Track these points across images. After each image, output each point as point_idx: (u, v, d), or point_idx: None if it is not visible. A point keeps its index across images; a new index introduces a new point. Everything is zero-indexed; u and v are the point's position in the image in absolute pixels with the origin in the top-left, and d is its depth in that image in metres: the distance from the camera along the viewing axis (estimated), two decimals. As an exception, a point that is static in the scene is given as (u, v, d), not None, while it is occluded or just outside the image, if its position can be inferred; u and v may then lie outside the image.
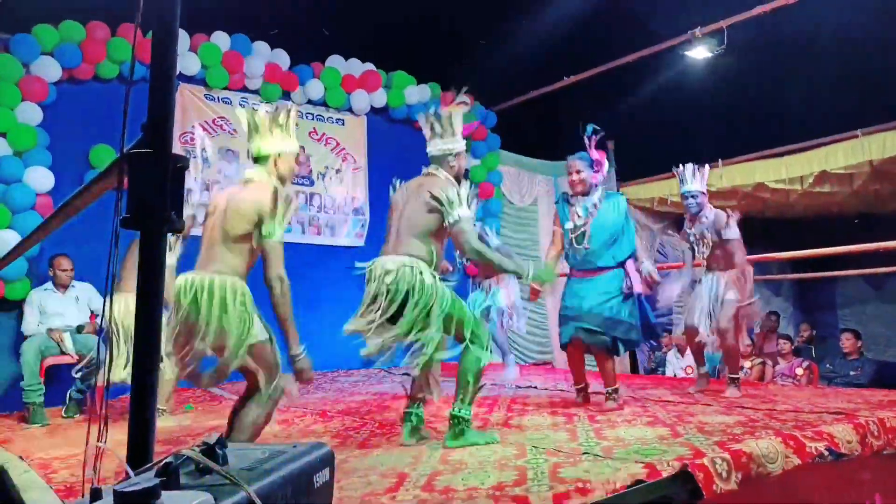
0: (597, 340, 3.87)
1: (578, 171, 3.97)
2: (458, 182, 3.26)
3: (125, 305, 4.12)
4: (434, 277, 3.01)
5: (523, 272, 3.18)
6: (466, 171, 5.07)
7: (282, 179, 2.84)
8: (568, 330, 3.97)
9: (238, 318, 2.60)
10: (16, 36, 5.20)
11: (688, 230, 4.54)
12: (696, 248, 4.51)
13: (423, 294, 2.94)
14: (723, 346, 4.40)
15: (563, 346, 4.11)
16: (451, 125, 3.25)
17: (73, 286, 4.83)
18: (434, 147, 3.27)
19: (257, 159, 2.85)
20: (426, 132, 3.31)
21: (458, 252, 3.97)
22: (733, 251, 4.39)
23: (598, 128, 4.05)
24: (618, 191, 8.68)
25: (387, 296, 2.95)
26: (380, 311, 2.94)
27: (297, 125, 2.97)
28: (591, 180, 3.99)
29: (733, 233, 4.34)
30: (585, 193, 4.00)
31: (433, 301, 2.95)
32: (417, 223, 3.08)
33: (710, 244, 4.41)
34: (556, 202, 4.30)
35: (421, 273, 2.96)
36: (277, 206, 2.66)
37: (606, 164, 4.13)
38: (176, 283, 2.69)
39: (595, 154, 4.02)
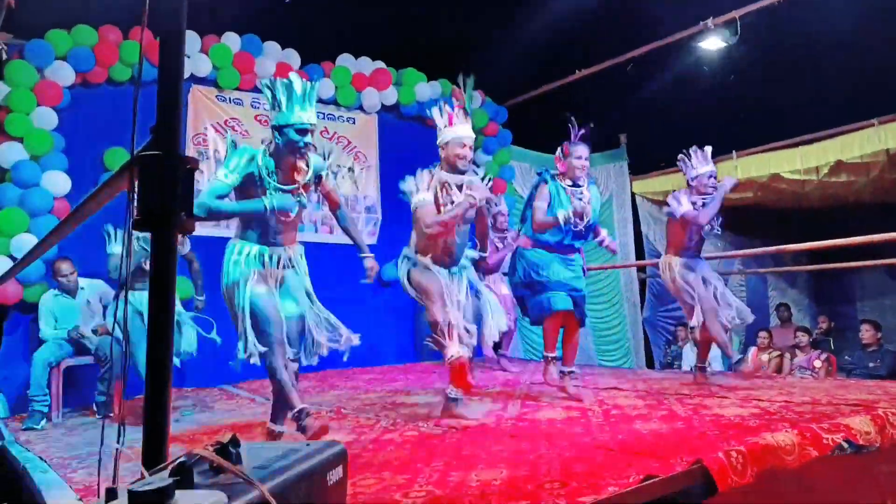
0: (582, 314, 4.10)
1: (586, 158, 4.07)
2: (455, 170, 3.56)
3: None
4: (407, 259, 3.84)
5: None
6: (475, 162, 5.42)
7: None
8: (562, 297, 3.96)
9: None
10: (29, 42, 5.25)
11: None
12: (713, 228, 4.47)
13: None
14: (702, 335, 4.52)
15: (551, 313, 3.99)
16: (440, 118, 3.64)
17: (81, 288, 4.81)
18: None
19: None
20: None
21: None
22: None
23: (574, 121, 4.18)
24: (630, 184, 8.73)
25: None
26: None
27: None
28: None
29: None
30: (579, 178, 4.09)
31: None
32: None
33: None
34: (544, 181, 4.09)
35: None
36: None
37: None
38: None
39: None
